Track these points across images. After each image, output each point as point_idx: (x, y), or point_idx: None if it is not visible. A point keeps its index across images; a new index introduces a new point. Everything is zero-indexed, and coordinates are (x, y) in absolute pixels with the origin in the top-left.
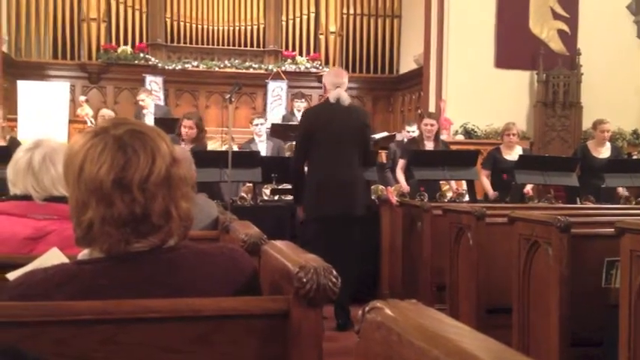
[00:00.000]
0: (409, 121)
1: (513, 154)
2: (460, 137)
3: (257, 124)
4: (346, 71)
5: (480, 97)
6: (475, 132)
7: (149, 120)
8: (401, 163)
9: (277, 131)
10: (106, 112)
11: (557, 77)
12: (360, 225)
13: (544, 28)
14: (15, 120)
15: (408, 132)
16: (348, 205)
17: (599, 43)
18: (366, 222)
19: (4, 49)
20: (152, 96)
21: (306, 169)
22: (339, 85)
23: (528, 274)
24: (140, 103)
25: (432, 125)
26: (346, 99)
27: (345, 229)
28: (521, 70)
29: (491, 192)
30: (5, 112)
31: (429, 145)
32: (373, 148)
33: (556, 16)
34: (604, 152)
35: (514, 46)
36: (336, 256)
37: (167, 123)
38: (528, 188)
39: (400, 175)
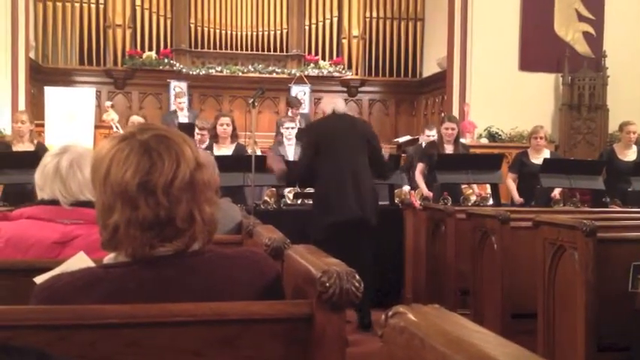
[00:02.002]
0: (429, 124)
1: (541, 157)
2: (484, 141)
3: (287, 128)
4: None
5: (504, 100)
6: (499, 135)
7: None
8: (419, 167)
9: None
10: (136, 119)
11: (582, 80)
12: (372, 236)
13: (569, 30)
14: (42, 126)
15: (428, 136)
16: (359, 212)
17: (625, 45)
18: (389, 226)
19: (32, 55)
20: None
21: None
22: (333, 104)
23: (553, 279)
24: (180, 104)
25: (452, 129)
26: (344, 109)
27: (356, 237)
28: (546, 72)
29: (516, 197)
30: (33, 118)
31: (449, 149)
32: (395, 151)
33: (581, 18)
34: (630, 155)
35: (539, 48)
36: (349, 264)
37: (188, 127)
38: (556, 192)
39: (420, 180)
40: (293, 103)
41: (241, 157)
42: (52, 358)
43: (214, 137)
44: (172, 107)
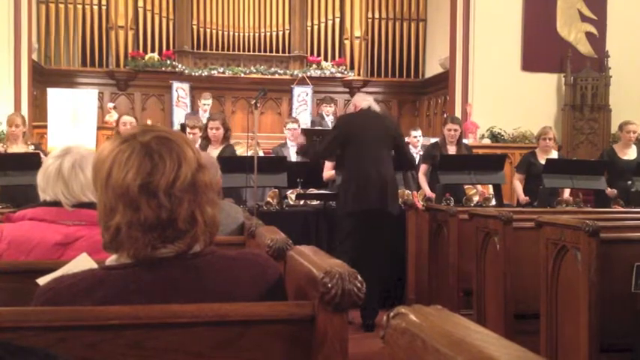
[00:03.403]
0: (415, 126)
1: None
2: (487, 141)
3: (290, 129)
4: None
5: (506, 100)
6: (502, 136)
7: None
8: (422, 168)
9: (307, 136)
10: (128, 119)
11: (585, 80)
12: (393, 225)
13: (572, 30)
14: (45, 127)
15: (415, 137)
16: (382, 200)
17: (628, 45)
18: (394, 226)
19: (34, 57)
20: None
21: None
22: (369, 101)
23: (556, 280)
24: (205, 106)
25: (455, 130)
26: (377, 107)
27: (379, 225)
28: (548, 73)
29: (522, 197)
30: (25, 120)
31: (452, 150)
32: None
33: (584, 18)
34: (630, 154)
35: (541, 48)
36: (368, 253)
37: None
38: (566, 194)
39: (423, 180)
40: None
41: (245, 157)
42: (57, 359)
43: (206, 138)
44: (175, 108)
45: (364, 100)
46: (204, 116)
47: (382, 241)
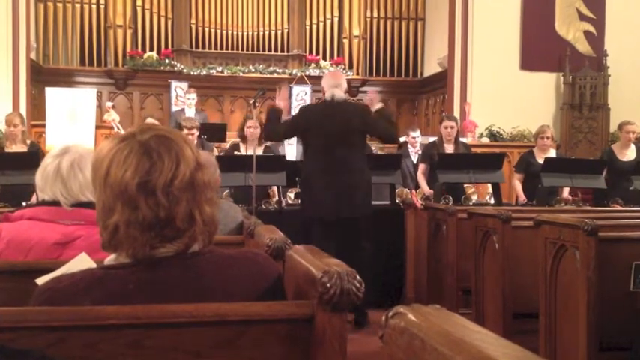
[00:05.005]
0: (413, 126)
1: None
2: (485, 140)
3: None
4: (343, 74)
5: (505, 99)
6: (500, 135)
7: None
8: (421, 167)
9: None
10: (151, 121)
11: (583, 79)
12: (364, 230)
13: (570, 29)
14: (43, 126)
15: (414, 137)
16: (340, 208)
17: (626, 45)
18: (390, 226)
19: (33, 56)
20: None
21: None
22: (336, 86)
23: (555, 278)
24: (190, 100)
25: (451, 128)
26: (341, 96)
27: (348, 232)
28: (547, 72)
29: (521, 196)
30: (24, 119)
31: (449, 148)
32: (396, 151)
33: (582, 17)
34: (629, 154)
35: (540, 47)
36: (344, 257)
37: (216, 127)
38: (565, 193)
39: (422, 180)
40: None
41: (243, 156)
42: None
43: (242, 137)
44: (174, 107)
45: (330, 88)
46: (189, 111)
47: (356, 248)
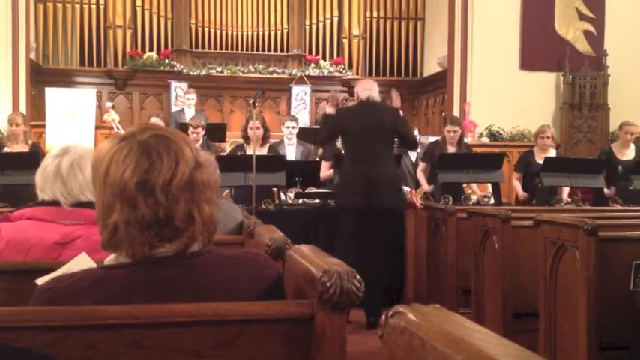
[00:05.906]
0: (411, 126)
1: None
2: (485, 140)
3: (288, 127)
4: (376, 82)
5: (505, 99)
6: (500, 134)
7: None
8: (421, 166)
9: (305, 135)
10: (155, 120)
11: (583, 78)
12: (392, 221)
13: (570, 29)
14: (43, 127)
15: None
16: (374, 197)
17: (626, 44)
18: (394, 223)
19: (32, 56)
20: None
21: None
22: (370, 90)
23: (555, 278)
24: (189, 101)
25: (454, 132)
26: (376, 98)
27: (376, 223)
28: (546, 71)
29: (520, 193)
30: (26, 119)
31: (452, 150)
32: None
33: (582, 16)
34: (628, 154)
35: (539, 47)
36: (368, 250)
37: (216, 127)
38: (564, 195)
39: (421, 177)
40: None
41: (243, 156)
42: (54, 359)
43: (245, 138)
44: (173, 108)
45: (364, 90)
46: (188, 112)
47: (381, 238)
